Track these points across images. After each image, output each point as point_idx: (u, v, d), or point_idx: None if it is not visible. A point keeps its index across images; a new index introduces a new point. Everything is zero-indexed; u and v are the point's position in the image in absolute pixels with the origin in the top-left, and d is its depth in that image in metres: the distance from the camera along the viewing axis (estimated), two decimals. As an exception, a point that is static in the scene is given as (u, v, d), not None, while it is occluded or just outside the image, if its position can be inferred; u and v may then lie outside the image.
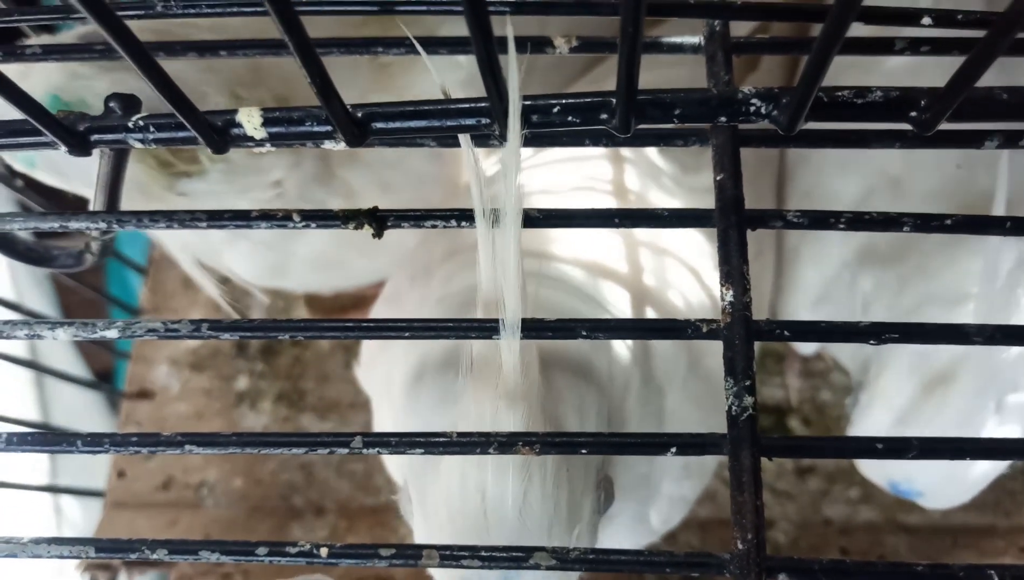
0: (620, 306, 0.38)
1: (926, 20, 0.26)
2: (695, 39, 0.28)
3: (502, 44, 0.21)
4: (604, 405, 0.33)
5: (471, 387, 0.28)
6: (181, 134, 0.22)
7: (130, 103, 0.26)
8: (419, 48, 0.25)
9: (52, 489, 0.72)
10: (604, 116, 0.21)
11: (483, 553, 0.22)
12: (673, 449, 0.22)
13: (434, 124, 0.22)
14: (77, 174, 0.39)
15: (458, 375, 0.29)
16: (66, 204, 0.46)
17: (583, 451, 0.23)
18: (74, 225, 0.26)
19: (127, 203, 0.40)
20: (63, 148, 0.23)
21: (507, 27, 0.21)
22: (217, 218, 0.25)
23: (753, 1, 0.27)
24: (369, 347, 0.49)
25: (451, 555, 0.22)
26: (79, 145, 0.23)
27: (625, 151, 0.44)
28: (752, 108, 0.21)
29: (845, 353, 0.53)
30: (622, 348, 0.36)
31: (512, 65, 0.20)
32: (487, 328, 0.24)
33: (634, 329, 0.27)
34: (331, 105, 0.21)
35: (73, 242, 0.36)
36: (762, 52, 0.32)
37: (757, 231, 0.25)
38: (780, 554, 0.59)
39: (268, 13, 0.17)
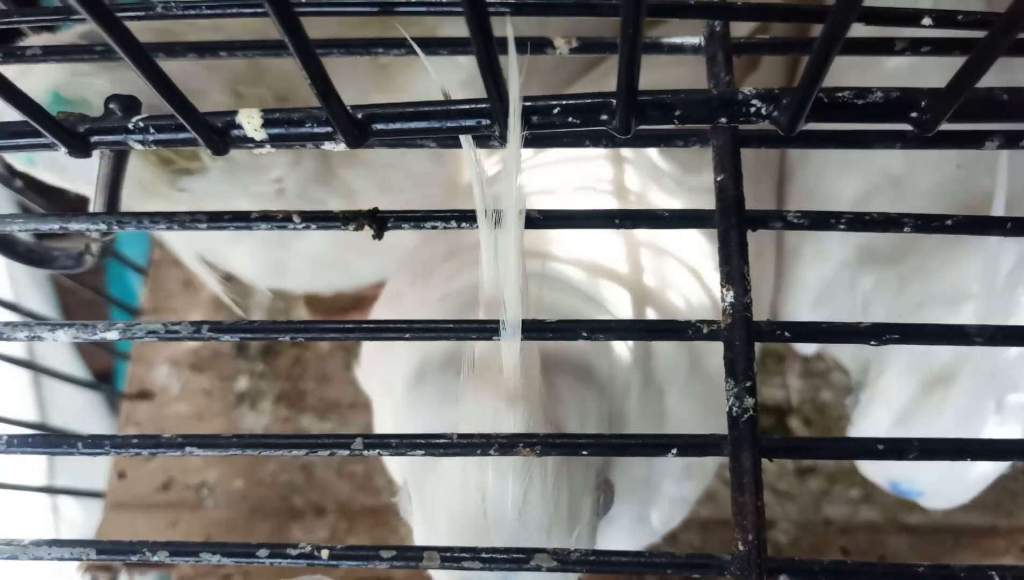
0: (621, 307, 0.38)
1: (926, 21, 0.26)
2: (695, 40, 0.28)
3: (502, 45, 0.21)
4: (605, 406, 0.33)
5: (472, 388, 0.28)
6: (181, 135, 0.22)
7: (130, 104, 0.26)
8: (418, 50, 0.25)
9: (51, 490, 0.72)
10: (604, 117, 0.21)
11: (484, 555, 0.22)
12: (674, 450, 0.22)
13: (434, 125, 0.22)
14: (78, 172, 0.39)
15: (459, 375, 0.29)
16: (65, 204, 0.47)
17: (584, 452, 0.23)
18: (74, 227, 0.26)
19: (128, 199, 0.40)
20: (63, 150, 0.23)
21: (507, 28, 0.21)
22: (217, 220, 0.25)
23: (753, 2, 0.27)
24: (369, 347, 0.49)
25: (452, 557, 0.22)
26: (79, 146, 0.23)
27: (626, 151, 0.44)
28: (752, 109, 0.21)
29: (845, 353, 0.53)
30: (623, 349, 0.36)
31: (512, 66, 0.20)
32: (488, 329, 0.24)
33: (635, 330, 0.27)
34: (331, 106, 0.21)
35: (73, 243, 0.36)
36: (762, 53, 0.32)
37: (758, 231, 0.25)
38: (781, 554, 0.59)
39: (268, 15, 0.17)
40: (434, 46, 0.28)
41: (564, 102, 0.21)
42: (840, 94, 0.21)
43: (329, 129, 0.22)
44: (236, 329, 0.25)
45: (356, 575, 0.57)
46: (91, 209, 0.32)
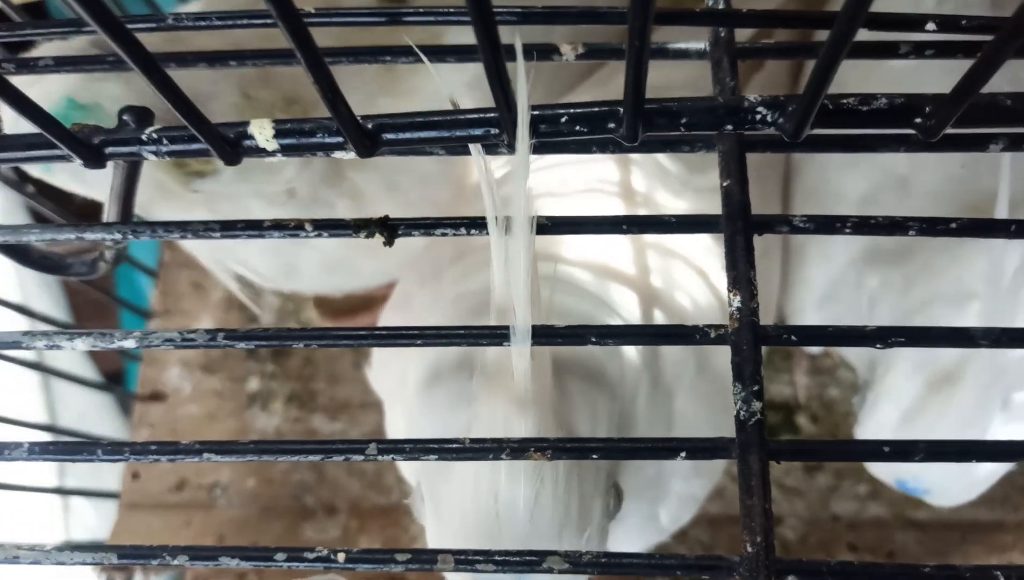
0: (630, 309, 0.38)
1: (930, 26, 0.26)
2: (700, 45, 0.28)
3: (509, 53, 0.22)
4: (616, 410, 0.33)
5: (484, 392, 0.28)
6: (194, 146, 0.23)
7: (143, 115, 0.26)
8: (425, 59, 0.26)
9: (62, 491, 0.73)
10: (612, 125, 0.22)
11: (497, 557, 0.22)
12: (683, 454, 0.23)
13: (443, 134, 0.22)
14: (96, 178, 0.40)
15: (472, 378, 0.29)
16: (74, 208, 0.47)
17: (594, 457, 0.23)
18: (90, 236, 0.27)
19: (144, 199, 0.41)
20: (78, 161, 0.23)
21: (516, 40, 0.21)
22: (230, 228, 0.26)
23: (758, 9, 0.27)
24: (381, 350, 0.49)
25: (466, 559, 0.22)
26: (93, 158, 0.23)
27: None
28: (758, 116, 0.22)
29: (852, 352, 0.53)
30: (632, 351, 0.36)
31: (520, 76, 0.21)
32: (498, 335, 0.25)
33: (643, 335, 0.27)
34: (342, 117, 0.21)
35: (87, 250, 0.36)
36: (767, 57, 0.32)
37: (764, 232, 0.26)
38: (789, 551, 0.60)
39: (278, 26, 0.18)
40: (442, 54, 0.28)
41: (572, 111, 0.22)
42: (845, 101, 0.21)
43: (340, 139, 0.22)
44: (251, 336, 0.25)
45: (370, 576, 0.58)
46: (105, 218, 0.32)
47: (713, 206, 0.26)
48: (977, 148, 0.25)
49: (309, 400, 0.69)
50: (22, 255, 0.35)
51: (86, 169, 0.24)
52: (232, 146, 0.23)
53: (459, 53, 0.29)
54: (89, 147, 0.23)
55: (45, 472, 0.73)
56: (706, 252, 0.43)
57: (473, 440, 0.23)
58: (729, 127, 0.22)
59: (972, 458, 0.23)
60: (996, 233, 0.26)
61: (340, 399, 0.69)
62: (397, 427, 0.44)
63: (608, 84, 0.53)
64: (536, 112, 0.21)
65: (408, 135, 0.22)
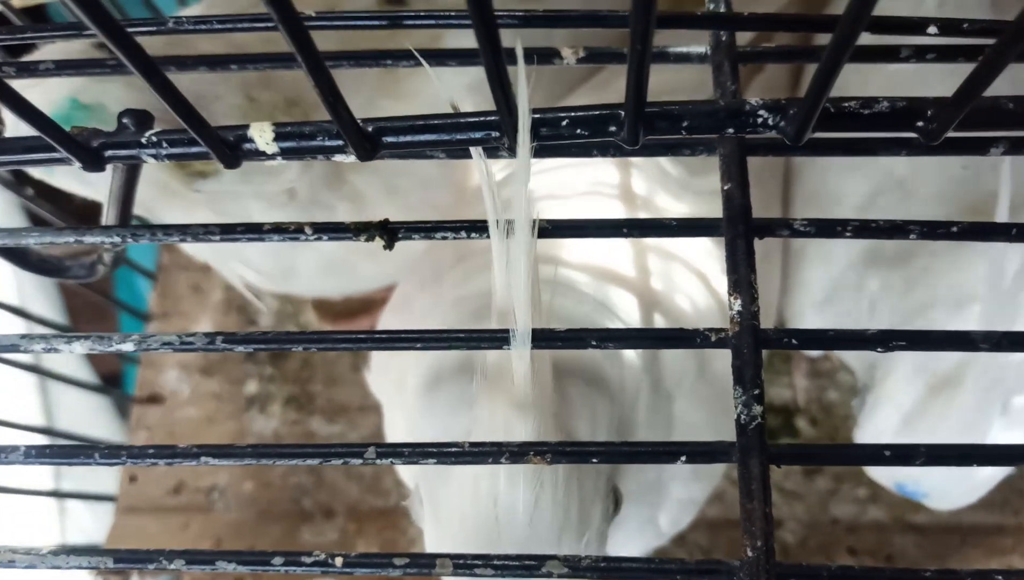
0: (630, 312, 0.38)
1: (932, 29, 0.26)
2: (701, 48, 0.28)
3: (510, 56, 0.22)
4: (616, 413, 0.33)
5: (484, 395, 0.28)
6: (194, 149, 0.23)
7: (143, 118, 0.26)
8: (425, 64, 0.26)
9: (59, 494, 0.72)
10: (613, 128, 0.22)
11: (496, 562, 0.22)
12: (683, 458, 0.23)
13: (443, 137, 0.22)
14: (96, 178, 0.40)
15: (473, 381, 0.29)
16: (72, 210, 0.47)
17: (594, 460, 0.23)
18: (89, 240, 0.27)
19: (145, 198, 0.40)
20: (77, 164, 0.23)
21: (517, 45, 0.21)
22: (230, 232, 0.26)
23: (759, 12, 0.27)
24: (381, 352, 0.49)
25: (464, 564, 0.22)
26: (93, 161, 0.23)
27: (632, 156, 0.44)
28: (759, 120, 0.21)
29: (851, 355, 0.53)
30: (632, 355, 0.36)
31: (521, 80, 0.21)
32: (498, 338, 0.25)
33: (643, 338, 0.27)
34: (342, 120, 0.21)
35: (85, 253, 0.36)
36: (768, 61, 0.32)
37: (765, 234, 0.26)
38: (788, 554, 0.59)
39: (279, 29, 0.18)
40: (442, 57, 0.28)
41: (573, 114, 0.22)
42: (847, 104, 0.21)
43: (340, 142, 0.22)
44: (249, 340, 0.25)
45: (367, 577, 0.58)
46: (104, 221, 0.32)
47: (714, 209, 0.26)
48: (978, 152, 0.25)
49: (307, 403, 0.69)
50: (20, 258, 0.34)
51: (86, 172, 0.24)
52: (232, 149, 0.23)
53: (460, 57, 0.29)
54: (88, 150, 0.23)
55: (41, 475, 0.73)
56: (706, 255, 0.43)
57: (472, 444, 0.23)
58: (730, 130, 0.22)
59: (972, 462, 0.23)
60: (996, 236, 0.26)
61: (338, 402, 0.69)
62: (396, 430, 0.44)
63: (608, 87, 0.53)
64: (537, 115, 0.21)
65: (408, 138, 0.22)
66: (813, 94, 0.20)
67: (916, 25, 0.26)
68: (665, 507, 0.42)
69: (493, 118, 0.22)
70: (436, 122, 0.22)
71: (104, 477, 0.71)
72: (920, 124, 0.21)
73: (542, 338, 0.25)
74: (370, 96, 0.48)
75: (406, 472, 0.44)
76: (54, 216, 0.49)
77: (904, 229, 0.25)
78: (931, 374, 0.43)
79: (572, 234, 0.26)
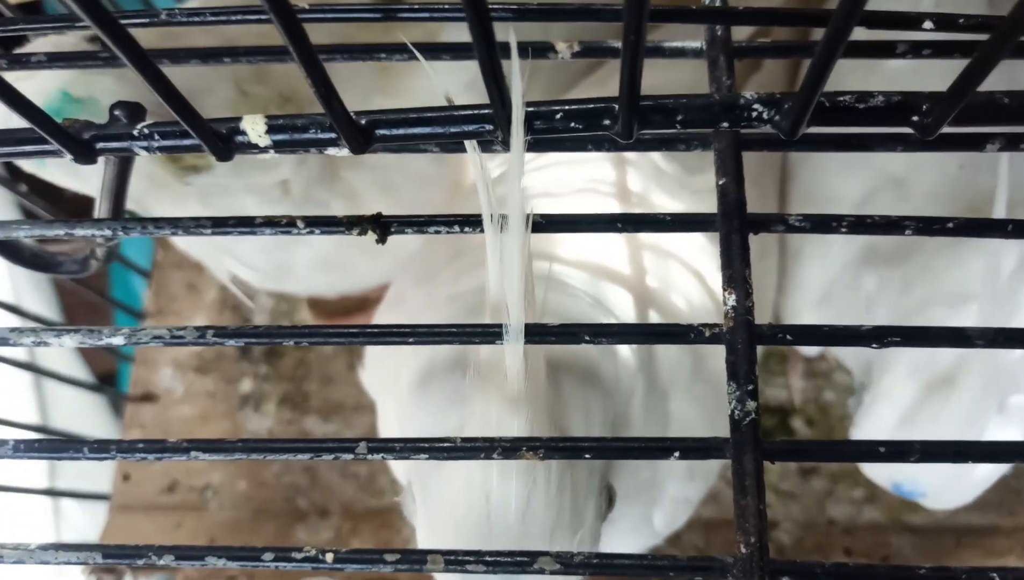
0: (625, 309, 0.38)
1: (927, 24, 0.26)
2: (697, 44, 0.28)
3: (505, 50, 0.21)
4: (610, 410, 0.33)
5: (477, 391, 0.28)
6: (186, 142, 0.22)
7: (135, 111, 0.26)
8: (420, 57, 0.25)
9: (53, 492, 0.72)
10: (607, 122, 0.21)
11: (488, 558, 0.22)
12: (676, 454, 0.23)
13: (437, 131, 0.22)
14: (88, 172, 0.40)
15: (466, 376, 0.29)
16: (66, 206, 0.47)
17: (587, 456, 0.23)
18: (80, 232, 0.26)
19: (136, 192, 0.40)
20: (68, 156, 0.23)
21: (511, 36, 0.21)
22: (222, 225, 0.26)
23: (755, 7, 0.27)
24: (374, 350, 0.49)
25: (456, 560, 0.22)
26: (84, 153, 0.23)
27: (628, 152, 0.44)
28: (754, 114, 0.21)
29: (848, 354, 0.53)
30: (628, 352, 0.36)
31: (515, 72, 0.21)
32: (491, 333, 0.25)
33: (637, 334, 0.27)
34: (335, 113, 0.21)
35: (78, 247, 0.36)
36: (764, 56, 0.32)
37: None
38: (784, 555, 0.59)
39: (272, 22, 0.18)
40: (437, 51, 0.28)
41: (567, 107, 0.21)
42: (841, 98, 0.21)
43: (333, 135, 0.22)
44: (241, 334, 0.25)
45: (360, 577, 0.57)
46: (96, 214, 0.32)
47: (709, 207, 0.26)
48: (974, 147, 0.24)
49: (302, 402, 0.69)
50: (13, 253, 0.34)
51: (78, 164, 0.23)
52: (224, 142, 0.22)
53: (454, 51, 0.29)
54: (80, 142, 0.23)
55: (35, 474, 0.73)
56: (702, 252, 0.43)
57: (464, 439, 0.23)
58: (725, 124, 0.22)
59: (968, 459, 0.23)
60: (993, 233, 0.26)
61: (333, 401, 0.69)
62: (390, 426, 0.44)
63: (606, 83, 0.53)
64: (531, 108, 0.21)
65: (402, 131, 0.22)
66: (807, 88, 0.20)
67: (912, 20, 0.26)
68: (660, 506, 0.42)
69: (487, 111, 0.21)
70: (430, 115, 0.22)
71: (98, 476, 0.71)
72: (915, 119, 0.21)
73: (535, 333, 0.24)
74: (365, 94, 0.48)
75: (399, 469, 0.43)
76: (47, 212, 0.48)
77: (899, 225, 0.25)
78: (927, 373, 0.43)
79: (566, 229, 0.26)
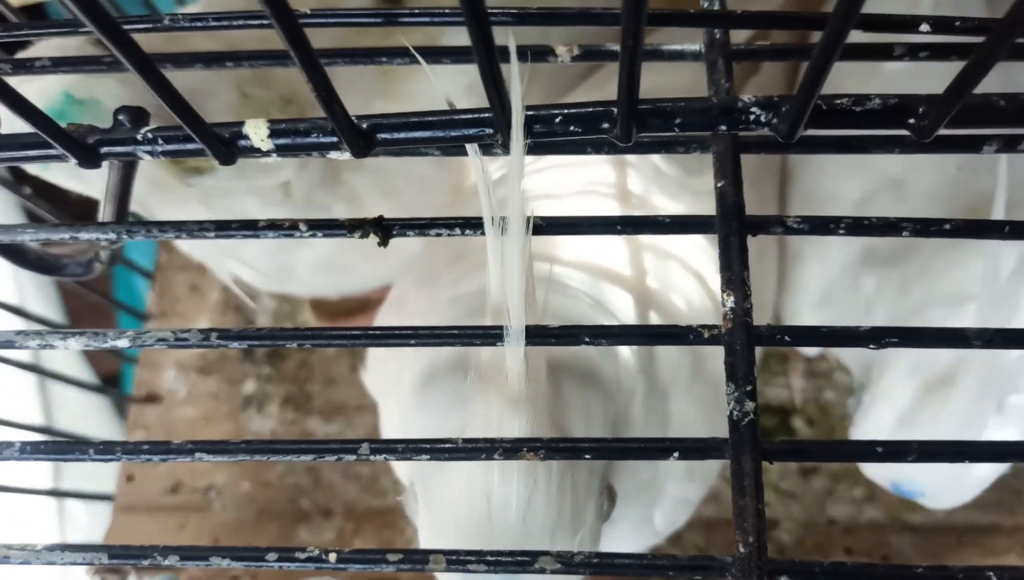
0: (625, 310, 0.38)
1: (924, 27, 0.26)
2: (695, 47, 0.28)
3: (504, 54, 0.22)
4: (610, 411, 0.33)
5: (478, 392, 0.28)
6: (189, 146, 0.23)
7: (139, 115, 0.26)
8: (421, 60, 0.26)
9: (57, 493, 0.72)
10: (606, 125, 0.22)
11: (489, 557, 0.22)
12: (676, 454, 0.23)
13: (438, 134, 0.22)
14: (93, 175, 0.40)
15: (467, 377, 0.29)
16: (70, 209, 0.47)
17: (587, 457, 0.23)
18: (84, 236, 0.27)
19: (140, 193, 0.40)
20: (73, 161, 0.23)
21: (510, 41, 0.21)
22: (225, 228, 0.26)
23: (753, 10, 0.27)
24: (376, 351, 0.49)
25: (457, 560, 0.22)
26: (89, 157, 0.23)
27: (628, 154, 0.45)
28: (752, 117, 0.22)
29: (848, 354, 0.53)
30: (628, 353, 0.37)
31: (514, 76, 0.21)
32: (492, 335, 0.25)
33: (637, 335, 0.27)
34: (336, 117, 0.21)
35: (82, 250, 0.36)
36: (762, 59, 0.32)
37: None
38: (784, 554, 0.59)
39: (274, 27, 0.18)
40: (437, 55, 0.28)
41: (566, 111, 0.22)
42: (839, 101, 0.21)
43: (334, 139, 0.22)
44: (244, 336, 0.25)
45: (363, 577, 0.58)
46: (100, 218, 0.32)
47: (709, 208, 0.26)
48: (971, 149, 0.25)
49: (305, 402, 0.69)
50: (18, 256, 0.35)
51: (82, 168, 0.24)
52: (227, 146, 0.23)
53: (455, 55, 0.29)
54: (84, 147, 0.23)
55: (40, 475, 0.73)
56: (702, 254, 0.43)
57: (466, 440, 0.23)
58: (723, 128, 0.22)
59: (966, 459, 0.23)
60: (990, 234, 0.26)
61: (336, 402, 0.69)
62: (392, 427, 0.44)
63: (606, 86, 0.53)
64: (530, 112, 0.21)
65: (402, 135, 0.22)
66: (805, 91, 0.20)
67: (908, 23, 0.26)
68: (661, 506, 0.42)
69: (487, 115, 0.22)
70: (430, 119, 0.22)
71: (102, 477, 0.71)
72: (912, 121, 0.21)
73: (536, 335, 0.25)
74: (366, 98, 0.48)
75: (401, 469, 0.44)
76: (52, 215, 0.49)
77: (897, 227, 0.25)
78: (926, 373, 0.43)
79: (566, 231, 0.26)
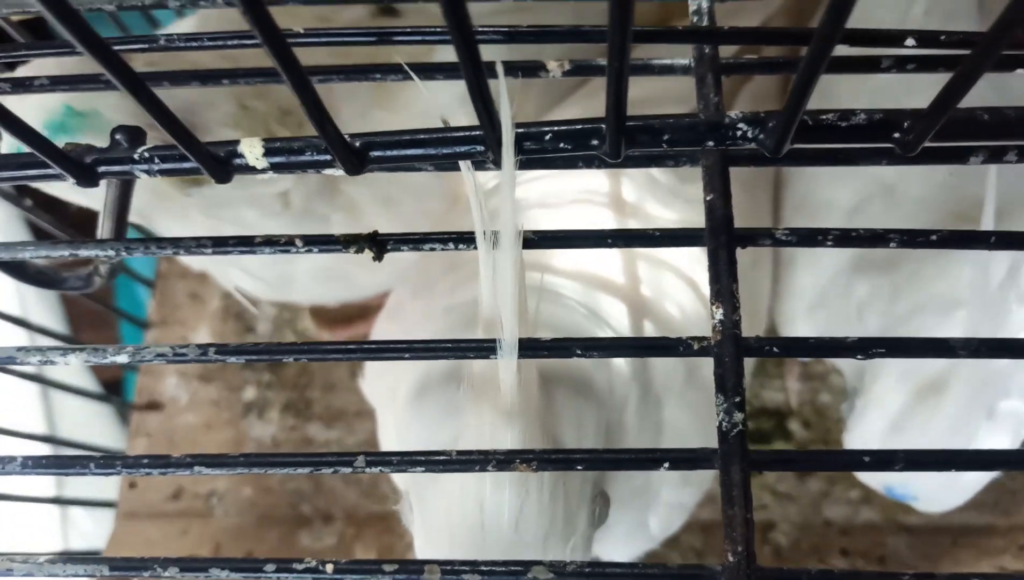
0: (619, 319, 0.39)
1: (910, 41, 0.26)
2: (685, 60, 0.29)
3: (495, 71, 0.22)
4: (603, 420, 0.34)
5: (471, 404, 0.29)
6: (185, 165, 0.23)
7: (135, 134, 0.27)
8: (414, 77, 0.26)
9: (60, 501, 0.73)
10: (595, 142, 0.22)
11: (483, 567, 0.22)
12: (666, 464, 0.23)
13: (430, 152, 0.23)
14: (94, 189, 0.40)
15: (460, 389, 0.30)
16: (71, 219, 0.47)
17: (579, 467, 0.24)
18: (84, 253, 0.27)
19: (140, 203, 0.41)
20: (71, 180, 0.24)
21: (497, 63, 0.21)
22: (222, 245, 0.26)
23: (740, 26, 0.27)
24: (374, 362, 0.49)
25: (452, 570, 0.22)
26: (87, 177, 0.24)
27: (621, 164, 0.45)
28: (739, 133, 0.22)
29: (841, 359, 0.54)
30: (621, 361, 0.37)
31: (503, 96, 0.21)
32: (485, 348, 0.25)
33: (628, 347, 0.28)
34: (328, 136, 0.21)
35: (82, 265, 0.36)
36: (751, 72, 0.32)
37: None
38: (781, 556, 0.60)
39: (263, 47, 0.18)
40: (430, 71, 0.29)
41: (556, 128, 0.22)
42: (824, 117, 0.22)
43: (328, 157, 0.22)
44: (241, 351, 0.25)
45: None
46: (99, 234, 0.33)
47: (703, 217, 0.26)
48: (958, 161, 0.25)
49: (305, 409, 0.70)
50: (18, 271, 0.35)
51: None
52: (222, 164, 0.23)
53: (448, 70, 0.29)
54: (82, 166, 0.23)
55: (44, 482, 0.73)
56: (695, 262, 0.43)
57: (459, 452, 0.23)
58: (711, 144, 0.22)
59: (952, 467, 0.23)
60: (977, 245, 0.26)
61: (336, 408, 0.69)
62: (389, 436, 0.45)
63: (598, 94, 0.53)
64: (520, 130, 0.22)
65: (395, 152, 0.23)
66: (790, 107, 0.20)
67: (895, 37, 0.26)
68: (655, 511, 0.42)
69: (478, 133, 0.22)
70: (422, 137, 0.22)
71: (105, 483, 0.71)
72: (897, 136, 0.22)
73: (528, 347, 0.25)
74: (364, 108, 0.48)
75: (398, 477, 0.44)
76: (53, 226, 0.49)
77: (884, 238, 0.26)
78: (918, 379, 0.43)
79: (558, 245, 0.27)
